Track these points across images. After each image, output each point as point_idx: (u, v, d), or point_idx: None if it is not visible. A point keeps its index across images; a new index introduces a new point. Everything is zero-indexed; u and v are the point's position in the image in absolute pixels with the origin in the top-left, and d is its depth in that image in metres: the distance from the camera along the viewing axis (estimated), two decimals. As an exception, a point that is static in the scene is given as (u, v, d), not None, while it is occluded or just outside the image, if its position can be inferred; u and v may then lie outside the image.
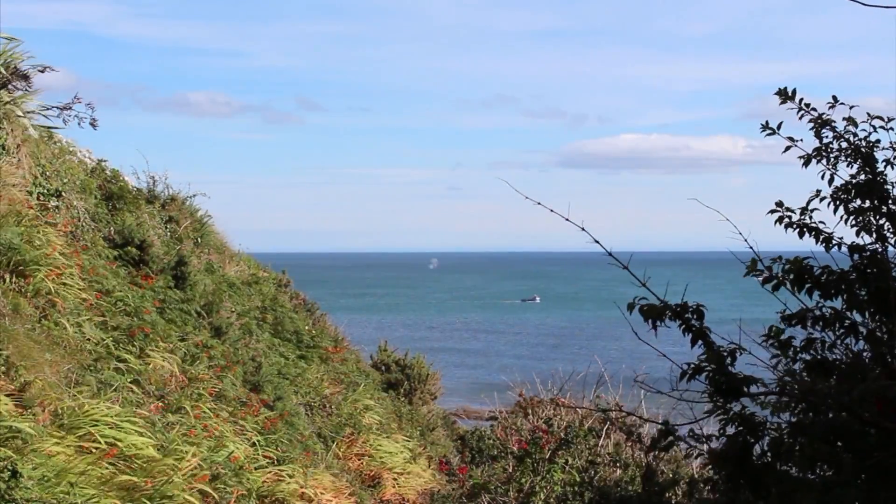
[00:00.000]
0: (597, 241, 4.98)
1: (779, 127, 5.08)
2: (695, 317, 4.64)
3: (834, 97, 5.02)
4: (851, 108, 4.99)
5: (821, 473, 4.42)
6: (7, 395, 7.90)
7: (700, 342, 4.62)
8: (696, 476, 8.89)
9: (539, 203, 5.16)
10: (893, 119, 4.96)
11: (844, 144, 4.96)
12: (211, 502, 9.42)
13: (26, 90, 12.10)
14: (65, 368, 9.28)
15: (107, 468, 8.14)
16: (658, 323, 4.58)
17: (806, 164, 5.02)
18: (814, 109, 5.04)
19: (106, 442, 8.45)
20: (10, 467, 6.65)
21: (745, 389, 4.48)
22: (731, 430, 4.54)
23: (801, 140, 5.07)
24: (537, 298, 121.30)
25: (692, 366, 4.54)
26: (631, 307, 4.59)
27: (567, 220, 4.94)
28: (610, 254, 4.94)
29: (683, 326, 4.63)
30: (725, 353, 4.52)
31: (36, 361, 8.83)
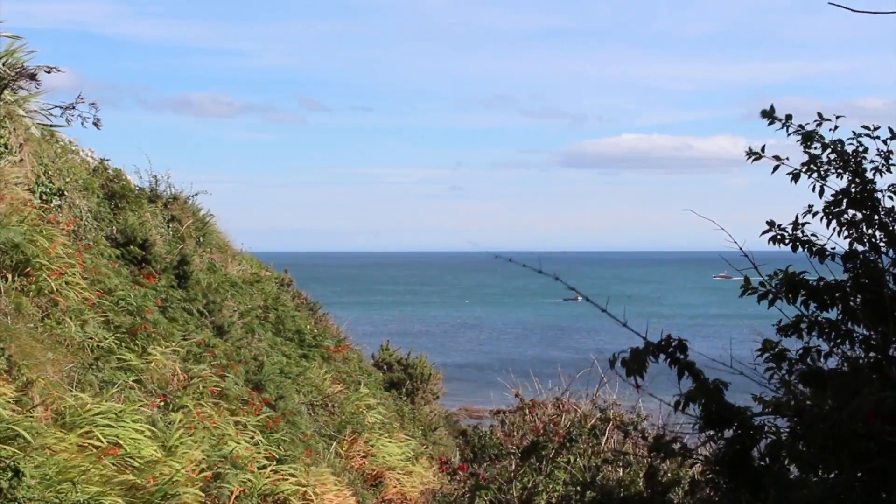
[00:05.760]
0: (572, 289, 5.12)
1: (763, 149, 5.08)
2: (678, 351, 4.64)
3: (819, 114, 5.01)
4: (837, 118, 4.99)
5: (821, 475, 4.41)
6: (9, 394, 7.91)
7: (687, 374, 4.61)
8: (698, 476, 8.87)
9: (510, 259, 5.19)
10: (879, 128, 4.96)
11: (833, 156, 4.96)
12: (212, 501, 9.42)
13: (32, 90, 12.11)
14: (67, 367, 9.29)
15: (109, 467, 8.14)
16: (643, 369, 4.56)
17: (795, 179, 5.02)
18: (801, 127, 5.02)
19: (108, 440, 8.46)
20: (12, 466, 6.66)
21: (738, 417, 4.47)
22: (728, 433, 4.54)
23: (788, 158, 5.07)
24: (579, 298, 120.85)
25: (682, 396, 4.54)
26: (612, 363, 4.59)
27: (540, 272, 5.03)
28: (588, 299, 5.02)
29: (669, 360, 4.64)
30: (712, 388, 4.51)
31: (38, 360, 8.84)
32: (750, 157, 5.10)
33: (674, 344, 4.62)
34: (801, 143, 5.01)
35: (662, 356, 4.59)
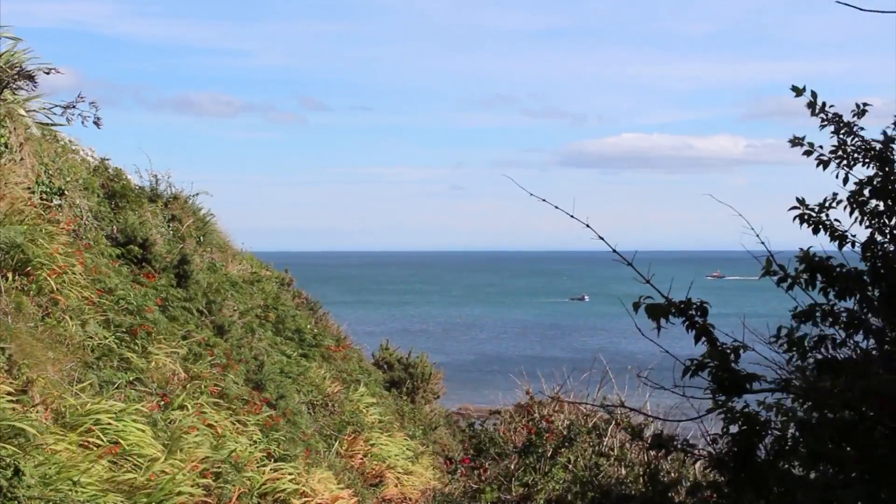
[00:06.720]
0: (601, 238, 4.99)
1: (803, 139, 5.16)
2: (698, 313, 4.65)
3: (857, 105, 5.10)
4: (865, 104, 5.03)
5: (824, 471, 4.42)
6: (10, 394, 7.91)
7: (704, 339, 4.62)
8: (700, 476, 8.87)
9: (544, 200, 5.14)
10: None
11: (859, 143, 4.99)
12: (212, 500, 9.42)
13: (31, 91, 12.10)
14: (67, 366, 9.29)
15: (109, 466, 8.14)
16: (663, 322, 4.59)
17: (824, 167, 5.06)
18: (832, 106, 5.07)
19: (108, 440, 8.46)
20: (12, 465, 6.66)
21: (748, 386, 4.48)
22: (734, 428, 4.54)
23: (821, 146, 5.13)
24: (586, 297, 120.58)
25: (695, 362, 4.55)
26: (636, 306, 4.60)
27: (572, 216, 4.94)
28: (614, 250, 4.95)
29: (687, 323, 4.64)
30: (729, 350, 4.52)
31: (38, 359, 8.83)
32: (793, 145, 5.16)
33: (694, 305, 4.63)
34: (824, 125, 5.06)
35: (682, 318, 4.60)
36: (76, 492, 7.15)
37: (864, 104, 5.08)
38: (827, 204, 5.02)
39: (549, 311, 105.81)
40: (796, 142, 5.15)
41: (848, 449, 4.34)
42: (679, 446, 4.73)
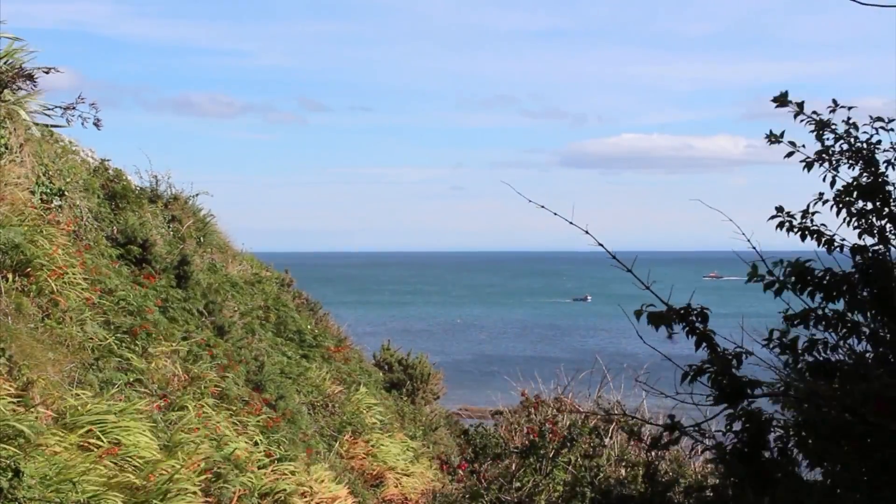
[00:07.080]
0: (601, 245, 4.97)
1: (781, 135, 5.06)
2: (699, 319, 4.64)
3: (834, 101, 5.02)
4: (850, 109, 4.97)
5: (828, 470, 4.42)
6: (10, 394, 7.91)
7: (704, 345, 4.61)
8: (699, 477, 8.86)
9: (543, 206, 5.11)
10: (894, 120, 4.94)
11: (845, 147, 4.94)
12: (213, 501, 9.43)
13: (31, 90, 12.09)
14: (67, 367, 9.29)
15: (109, 467, 8.14)
16: (669, 329, 4.58)
17: (808, 168, 5.00)
18: (815, 113, 5.01)
19: (108, 441, 8.46)
20: (12, 466, 6.66)
21: (749, 391, 4.48)
22: (737, 426, 4.53)
23: (804, 146, 5.06)
24: (588, 298, 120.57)
25: (694, 368, 4.54)
26: (638, 314, 4.59)
27: (571, 223, 4.91)
28: (613, 256, 4.93)
29: (688, 329, 4.63)
30: (730, 356, 4.51)
31: (39, 360, 8.83)
32: (770, 142, 5.07)
33: (695, 311, 4.62)
34: (814, 133, 5.01)
35: (682, 324, 4.59)
36: (76, 492, 7.15)
37: (850, 108, 5.02)
38: (811, 209, 4.96)
39: (550, 311, 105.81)
40: (773, 139, 5.06)
41: (850, 448, 4.34)
42: (693, 431, 4.70)
